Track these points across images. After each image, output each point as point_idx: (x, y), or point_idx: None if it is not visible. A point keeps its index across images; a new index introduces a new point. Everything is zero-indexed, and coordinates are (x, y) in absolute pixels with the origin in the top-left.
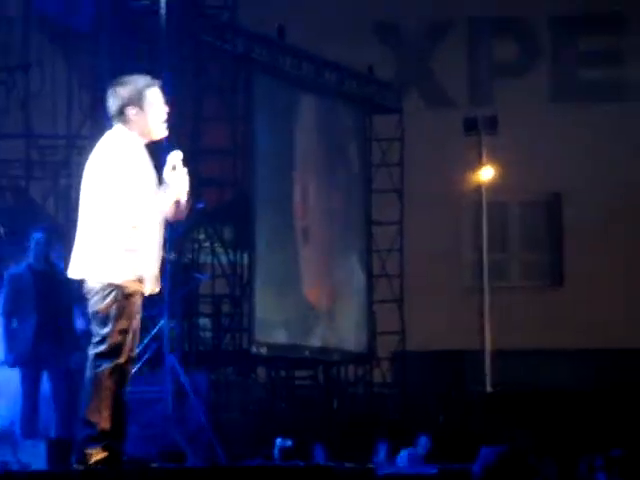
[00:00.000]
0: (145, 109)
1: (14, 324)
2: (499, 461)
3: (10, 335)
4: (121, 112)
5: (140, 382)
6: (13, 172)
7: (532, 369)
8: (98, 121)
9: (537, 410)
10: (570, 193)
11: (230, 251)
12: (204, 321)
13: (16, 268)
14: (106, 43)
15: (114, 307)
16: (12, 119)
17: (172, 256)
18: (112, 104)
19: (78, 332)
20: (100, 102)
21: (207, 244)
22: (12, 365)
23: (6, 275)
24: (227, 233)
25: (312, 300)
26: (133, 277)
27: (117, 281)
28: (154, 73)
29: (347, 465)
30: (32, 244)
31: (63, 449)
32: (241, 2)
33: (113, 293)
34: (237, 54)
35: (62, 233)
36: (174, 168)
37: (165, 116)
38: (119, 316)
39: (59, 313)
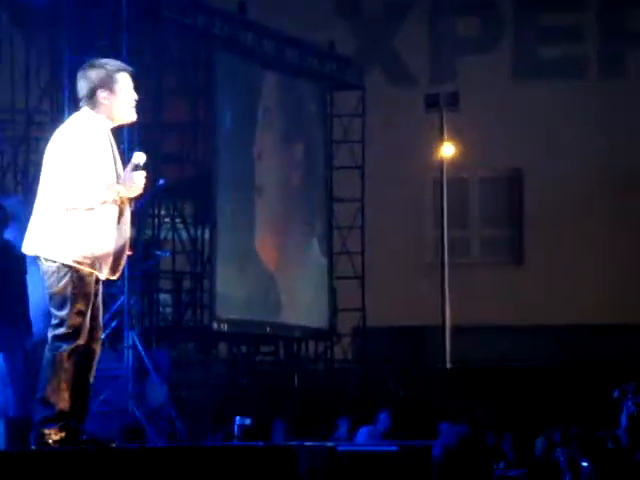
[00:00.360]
0: (116, 93)
1: None
2: (459, 442)
3: None
4: (92, 95)
5: (100, 359)
6: None
7: (491, 346)
8: (56, 97)
9: (496, 386)
10: (531, 170)
11: (191, 227)
12: (164, 297)
13: None
14: (66, 19)
15: (70, 288)
16: None
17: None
18: (82, 86)
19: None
20: (58, 78)
21: (167, 220)
22: None
23: None
24: (188, 209)
25: (264, 258)
26: (87, 259)
27: (70, 262)
28: (114, 49)
29: (307, 443)
30: None
31: (21, 428)
32: None
33: (69, 274)
34: (198, 29)
35: (18, 209)
36: (136, 168)
37: (134, 102)
38: (76, 297)
39: (13, 293)
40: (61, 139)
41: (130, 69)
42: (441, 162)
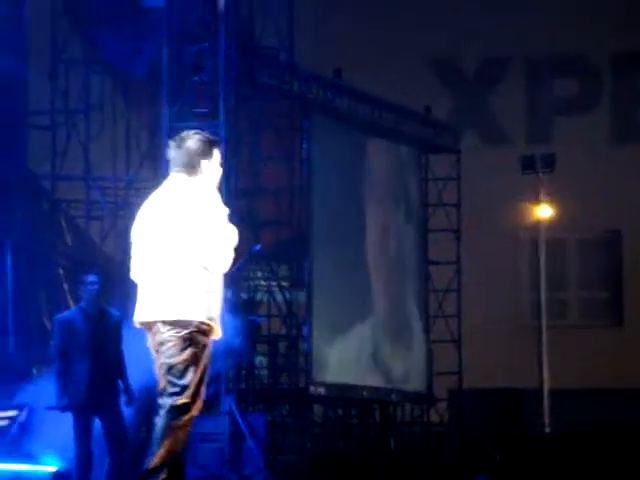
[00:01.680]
0: (212, 164)
1: (67, 368)
2: None
3: (64, 379)
4: (192, 164)
5: (196, 423)
6: (73, 213)
7: (590, 409)
8: (155, 163)
9: (595, 452)
10: (630, 231)
11: (286, 290)
12: (260, 359)
13: (66, 313)
14: (165, 85)
15: (194, 358)
16: (72, 161)
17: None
18: (181, 155)
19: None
20: (158, 144)
21: (263, 283)
22: (65, 409)
23: (55, 320)
24: (283, 272)
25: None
26: (212, 319)
27: (198, 319)
28: (213, 115)
29: None
30: (85, 288)
31: None
32: (298, 43)
33: (192, 344)
34: (294, 95)
35: (117, 275)
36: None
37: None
38: (198, 367)
39: (110, 359)
40: (182, 205)
41: (221, 142)
42: (537, 224)
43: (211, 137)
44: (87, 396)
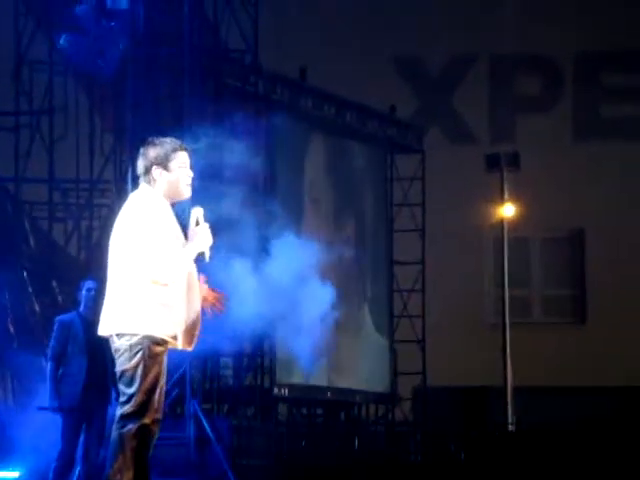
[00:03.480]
0: (170, 171)
1: (61, 370)
2: None
3: (57, 381)
4: (147, 172)
5: (161, 428)
6: (36, 214)
7: (554, 406)
8: (119, 165)
9: (560, 449)
10: (593, 229)
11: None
12: (225, 360)
13: (66, 315)
14: (129, 87)
15: (141, 366)
16: (36, 163)
17: None
18: (140, 163)
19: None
20: (121, 146)
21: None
22: (58, 411)
23: (56, 321)
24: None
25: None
26: (170, 333)
27: (151, 334)
28: (176, 118)
29: None
30: (83, 292)
31: None
32: (263, 45)
33: (140, 352)
34: (259, 96)
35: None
36: (197, 223)
37: (189, 179)
38: (146, 376)
39: (105, 365)
40: (126, 219)
41: (187, 147)
42: (502, 222)
43: (172, 140)
44: (81, 399)
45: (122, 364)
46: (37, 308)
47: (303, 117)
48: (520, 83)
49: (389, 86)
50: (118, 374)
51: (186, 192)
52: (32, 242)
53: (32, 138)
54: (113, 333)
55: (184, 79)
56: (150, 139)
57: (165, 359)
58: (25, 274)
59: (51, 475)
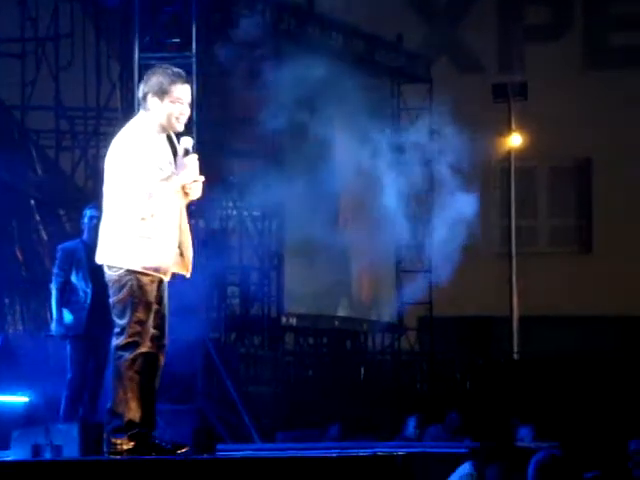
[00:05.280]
0: (163, 102)
1: (66, 296)
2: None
3: (61, 308)
4: (144, 99)
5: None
6: (43, 142)
7: (558, 335)
8: (126, 93)
9: (565, 376)
10: (599, 159)
11: (258, 220)
12: (232, 289)
13: (69, 243)
14: (136, 16)
15: (130, 297)
16: (42, 90)
17: None
18: (140, 89)
19: None
20: (129, 75)
21: (235, 213)
22: (64, 338)
23: (59, 249)
24: (255, 201)
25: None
26: (149, 265)
27: (132, 268)
28: (184, 46)
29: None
30: (85, 220)
31: (96, 433)
32: None
33: (129, 283)
34: (266, 24)
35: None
36: (186, 153)
37: (184, 114)
38: (136, 306)
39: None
40: (116, 148)
41: (187, 81)
42: (509, 152)
43: (175, 72)
44: (86, 325)
45: (113, 295)
46: (45, 236)
47: (312, 46)
48: (528, 12)
49: (396, 16)
50: (111, 305)
51: (177, 126)
52: (39, 170)
53: (38, 65)
54: (104, 264)
55: (191, 6)
56: (158, 66)
57: (162, 287)
58: (32, 202)
59: (63, 402)
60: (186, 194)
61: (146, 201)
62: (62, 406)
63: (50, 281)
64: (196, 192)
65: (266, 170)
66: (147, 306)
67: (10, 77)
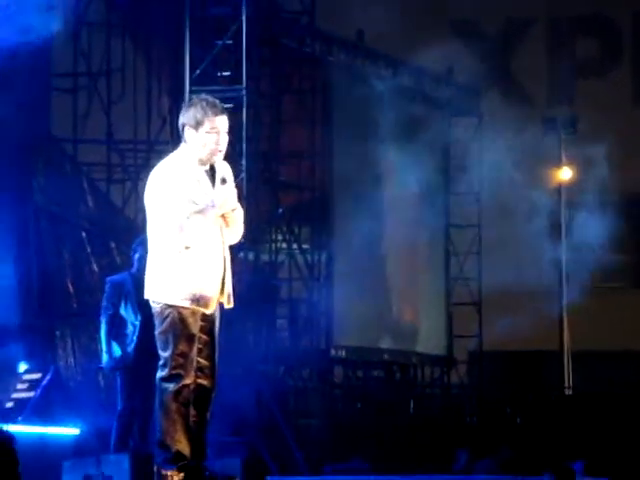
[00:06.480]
0: (199, 133)
1: (115, 329)
2: None
3: (110, 341)
4: (182, 131)
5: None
6: (94, 176)
7: (611, 371)
8: (176, 126)
9: (617, 413)
10: None
11: (307, 253)
12: (281, 322)
13: (117, 276)
14: (187, 49)
15: (172, 330)
16: (94, 124)
17: None
18: (180, 122)
19: None
20: (179, 108)
21: (284, 245)
22: (113, 370)
23: (107, 281)
24: (304, 234)
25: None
26: (187, 298)
27: (171, 303)
28: (235, 79)
29: None
30: (135, 253)
31: (146, 465)
32: (319, 7)
33: (170, 316)
34: (315, 57)
35: None
36: (223, 181)
37: (221, 143)
38: (178, 339)
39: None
40: (151, 180)
41: (223, 111)
42: (559, 186)
43: (210, 102)
44: (135, 357)
45: (157, 327)
46: (96, 269)
47: (361, 78)
48: (578, 45)
49: (446, 49)
50: (156, 337)
51: (212, 159)
52: (90, 203)
53: (90, 99)
54: (149, 298)
55: (240, 40)
56: (195, 97)
57: (209, 317)
58: (84, 235)
59: (113, 434)
60: (227, 223)
61: (178, 234)
62: (112, 438)
63: (100, 314)
64: (236, 221)
65: (315, 203)
66: (189, 338)
67: (62, 111)
